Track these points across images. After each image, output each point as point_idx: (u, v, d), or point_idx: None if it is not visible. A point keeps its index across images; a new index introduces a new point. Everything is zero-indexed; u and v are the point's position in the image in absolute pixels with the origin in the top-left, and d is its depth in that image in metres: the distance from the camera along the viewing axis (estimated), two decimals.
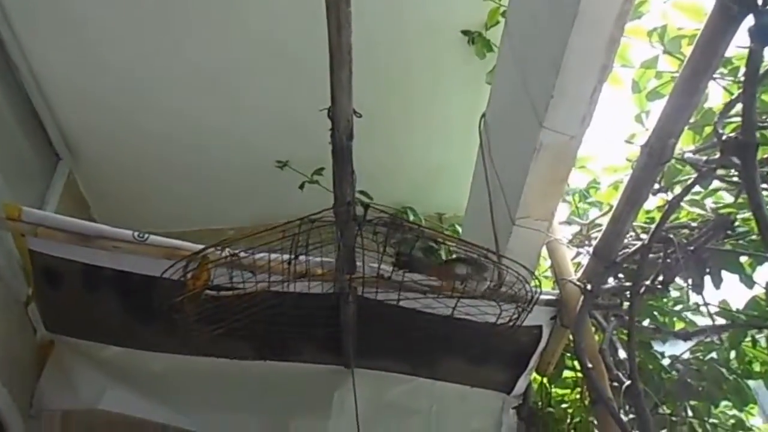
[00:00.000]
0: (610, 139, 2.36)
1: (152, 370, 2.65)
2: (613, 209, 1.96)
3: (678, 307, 2.62)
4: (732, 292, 2.30)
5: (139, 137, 3.61)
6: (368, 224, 1.51)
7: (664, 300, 2.60)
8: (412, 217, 3.91)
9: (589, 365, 1.96)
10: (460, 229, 3.75)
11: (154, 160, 3.76)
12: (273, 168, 3.76)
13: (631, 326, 1.83)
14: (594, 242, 2.60)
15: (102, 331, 2.65)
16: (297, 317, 2.13)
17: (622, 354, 2.05)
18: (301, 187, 3.56)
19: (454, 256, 1.81)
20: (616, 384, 1.99)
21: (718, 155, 1.56)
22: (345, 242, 1.63)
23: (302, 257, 1.70)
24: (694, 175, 1.85)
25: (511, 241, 2.24)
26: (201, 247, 2.38)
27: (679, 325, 2.61)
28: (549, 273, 2.80)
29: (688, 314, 2.59)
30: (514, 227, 2.18)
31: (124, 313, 2.52)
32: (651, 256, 1.97)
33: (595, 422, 2.51)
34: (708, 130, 2.08)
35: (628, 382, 1.82)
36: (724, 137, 1.43)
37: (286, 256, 1.68)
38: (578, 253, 2.71)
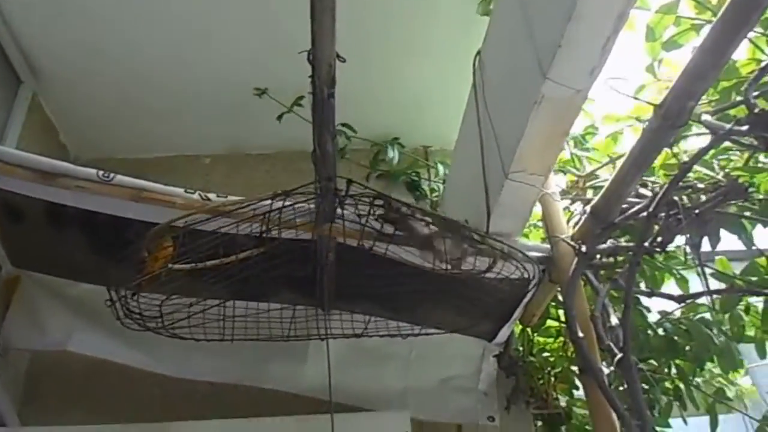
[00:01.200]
0: (613, 86, 2.16)
1: None
2: (617, 170, 1.82)
3: (671, 262, 2.52)
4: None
5: (108, 57, 3.32)
6: (351, 198, 1.35)
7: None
8: (394, 155, 3.69)
9: (580, 334, 1.86)
10: (443, 170, 3.57)
11: (126, 81, 3.48)
12: (251, 94, 3.53)
13: (627, 297, 1.72)
14: (589, 194, 2.49)
15: (70, 267, 2.55)
16: (273, 268, 2.01)
17: (614, 319, 1.94)
18: (279, 118, 3.34)
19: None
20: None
21: (745, 127, 1.40)
22: (324, 215, 1.47)
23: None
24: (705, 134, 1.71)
25: (502, 195, 2.07)
26: (168, 189, 2.25)
27: (668, 280, 2.53)
28: (540, 223, 2.69)
29: (681, 270, 2.49)
30: (507, 181, 2.02)
31: (92, 252, 2.41)
32: None
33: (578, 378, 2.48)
34: (724, 84, 1.91)
35: (620, 355, 1.72)
36: (756, 110, 1.26)
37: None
38: (572, 203, 2.59)
